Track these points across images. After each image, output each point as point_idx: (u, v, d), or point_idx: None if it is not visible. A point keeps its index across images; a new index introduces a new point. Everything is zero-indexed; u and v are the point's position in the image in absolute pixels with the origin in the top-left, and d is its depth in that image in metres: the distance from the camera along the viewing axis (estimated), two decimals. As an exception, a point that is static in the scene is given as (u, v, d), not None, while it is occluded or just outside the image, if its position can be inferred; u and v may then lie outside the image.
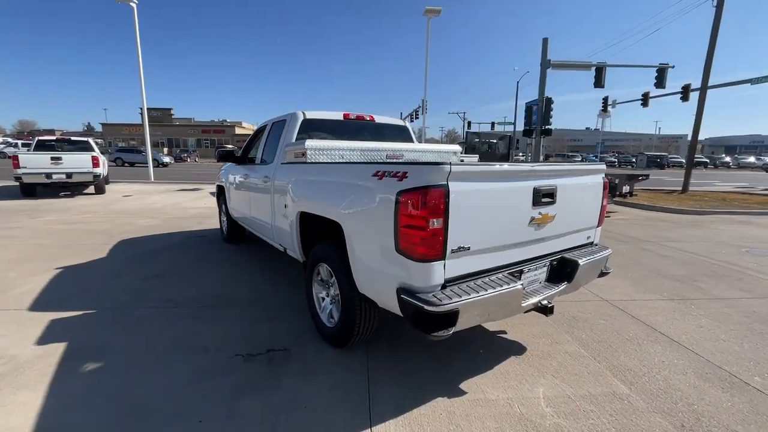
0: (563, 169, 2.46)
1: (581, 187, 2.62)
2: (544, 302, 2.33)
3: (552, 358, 2.68)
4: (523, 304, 2.19)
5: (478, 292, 1.93)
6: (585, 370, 2.54)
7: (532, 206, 2.24)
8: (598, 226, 2.88)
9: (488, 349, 2.80)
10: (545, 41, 16.90)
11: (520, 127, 18.09)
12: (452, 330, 1.91)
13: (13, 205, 9.04)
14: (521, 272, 2.33)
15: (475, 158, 10.90)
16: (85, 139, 12.75)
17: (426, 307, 1.81)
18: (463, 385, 2.33)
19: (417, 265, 1.88)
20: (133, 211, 8.60)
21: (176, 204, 9.96)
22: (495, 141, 13.70)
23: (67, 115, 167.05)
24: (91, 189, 11.78)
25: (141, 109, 16.96)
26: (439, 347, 2.79)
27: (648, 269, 4.86)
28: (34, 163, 10.03)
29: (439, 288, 1.94)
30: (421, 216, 1.81)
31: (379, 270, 2.12)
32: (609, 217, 9.03)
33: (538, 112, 17.79)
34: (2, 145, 39.45)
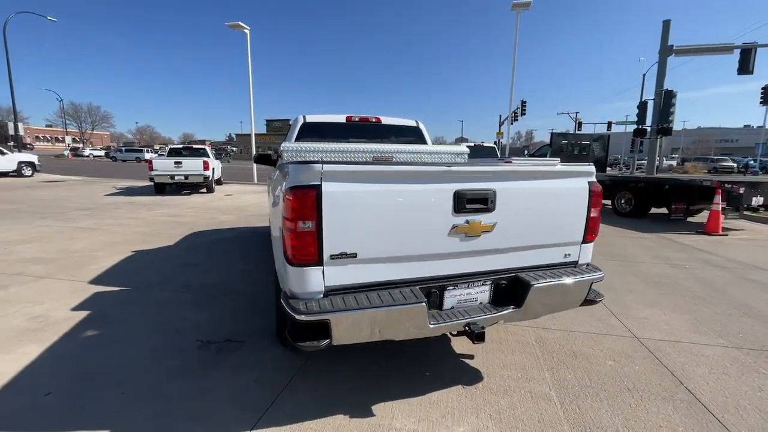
0: (505, 170, 2.06)
1: (547, 192, 2.16)
2: (475, 326, 1.98)
3: (506, 396, 2.26)
4: (432, 326, 1.90)
5: (360, 305, 1.76)
6: (538, 419, 2.07)
7: (454, 213, 1.93)
8: (585, 242, 2.33)
9: (438, 371, 2.50)
10: (666, 24, 14.24)
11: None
12: (325, 343, 1.77)
13: (144, 200, 11.31)
14: (443, 288, 2.03)
15: (556, 161, 9.87)
16: (203, 147, 15.33)
17: (292, 313, 1.72)
18: (378, 407, 2.13)
19: (293, 269, 1.80)
20: (222, 208, 9.97)
21: (260, 203, 11.21)
22: (588, 143, 11.98)
23: (217, 128, 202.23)
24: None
25: (267, 120, 19.58)
26: (389, 360, 2.60)
27: (732, 304, 3.71)
28: (162, 166, 12.48)
29: (320, 296, 1.82)
30: (292, 218, 1.73)
31: (279, 273, 2.09)
32: (726, 235, 7.14)
33: (655, 107, 15.03)
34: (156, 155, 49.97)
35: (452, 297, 2.07)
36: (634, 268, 4.92)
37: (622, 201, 9.34)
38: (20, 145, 24.24)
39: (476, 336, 1.96)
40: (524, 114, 30.29)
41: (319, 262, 1.78)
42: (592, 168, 2.29)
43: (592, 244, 2.41)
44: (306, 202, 1.71)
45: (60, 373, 2.41)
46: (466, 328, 1.98)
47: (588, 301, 2.33)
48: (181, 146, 15.64)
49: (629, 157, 38.70)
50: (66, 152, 49.21)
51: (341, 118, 4.03)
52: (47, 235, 6.35)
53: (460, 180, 1.94)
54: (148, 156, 42.62)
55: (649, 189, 8.72)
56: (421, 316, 1.85)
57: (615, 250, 5.94)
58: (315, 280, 1.80)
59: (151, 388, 2.27)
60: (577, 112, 45.58)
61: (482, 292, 2.14)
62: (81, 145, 59.88)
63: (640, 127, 15.21)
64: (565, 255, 2.32)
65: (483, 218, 2.00)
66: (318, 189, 1.72)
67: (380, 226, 1.84)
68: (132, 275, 4.36)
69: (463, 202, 1.93)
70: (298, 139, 3.85)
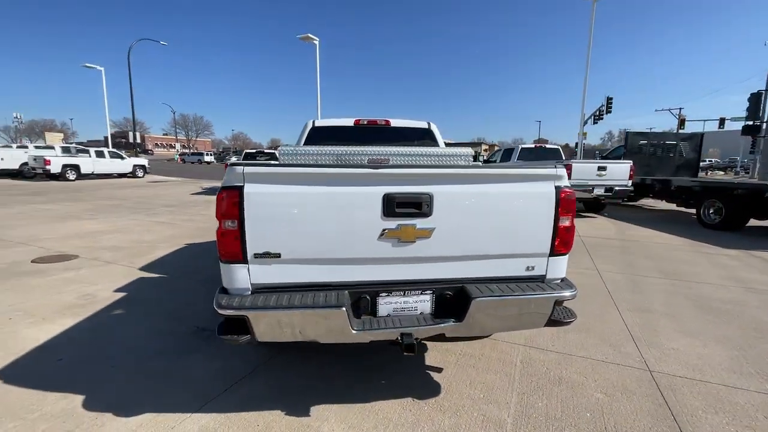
0: (443, 172, 1.92)
1: (500, 197, 1.96)
2: (408, 338, 1.88)
3: (455, 416, 2.10)
4: (355, 332, 1.85)
5: (279, 305, 1.80)
6: (478, 443, 1.89)
7: (384, 217, 1.86)
8: (554, 254, 2.06)
9: (397, 380, 2.41)
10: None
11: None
12: (245, 338, 1.85)
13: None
14: (376, 295, 1.97)
15: (628, 163, 8.79)
16: (274, 151, 16.69)
17: (215, 306, 1.82)
18: (317, 408, 2.14)
19: (223, 265, 1.90)
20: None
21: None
22: (674, 143, 10.35)
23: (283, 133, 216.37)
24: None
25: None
26: (356, 363, 2.59)
27: (808, 344, 2.93)
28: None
29: (248, 292, 1.89)
30: (219, 217, 1.84)
31: None
32: None
33: (773, 99, 12.48)
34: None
35: (387, 304, 1.99)
36: (691, 290, 4.16)
37: (710, 210, 7.92)
38: (142, 151, 28.97)
39: (405, 347, 1.86)
40: (610, 112, 27.32)
41: (244, 260, 1.85)
42: (560, 170, 2.01)
43: (566, 257, 2.12)
44: (230, 202, 1.80)
45: (77, 344, 2.85)
46: (398, 339, 1.89)
47: (554, 322, 2.06)
48: (255, 151, 17.25)
49: (750, 159, 32.45)
50: (176, 157, 57.28)
51: (350, 122, 4.09)
52: (130, 227, 7.48)
53: (389, 183, 1.87)
54: (207, 159, 48.85)
55: (747, 197, 7.26)
56: (340, 321, 1.81)
57: (673, 266, 5.08)
58: (242, 277, 1.88)
59: (135, 363, 2.56)
60: (681, 108, 39.73)
61: (422, 302, 2.02)
62: (187, 151, 69.15)
63: (753, 123, 12.67)
64: (528, 268, 2.08)
65: (418, 223, 1.89)
66: (240, 190, 1.79)
67: (305, 227, 1.85)
68: (172, 265, 4.94)
69: (392, 206, 1.85)
70: (306, 142, 4.01)
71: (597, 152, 21.15)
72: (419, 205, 1.87)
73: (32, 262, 4.92)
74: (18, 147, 23.10)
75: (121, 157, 21.24)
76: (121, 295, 3.84)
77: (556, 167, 2.00)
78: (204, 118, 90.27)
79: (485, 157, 15.15)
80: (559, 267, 2.11)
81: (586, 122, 30.52)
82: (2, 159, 19.79)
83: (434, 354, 2.74)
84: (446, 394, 2.29)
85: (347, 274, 1.94)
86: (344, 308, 1.80)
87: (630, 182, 8.96)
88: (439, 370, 2.55)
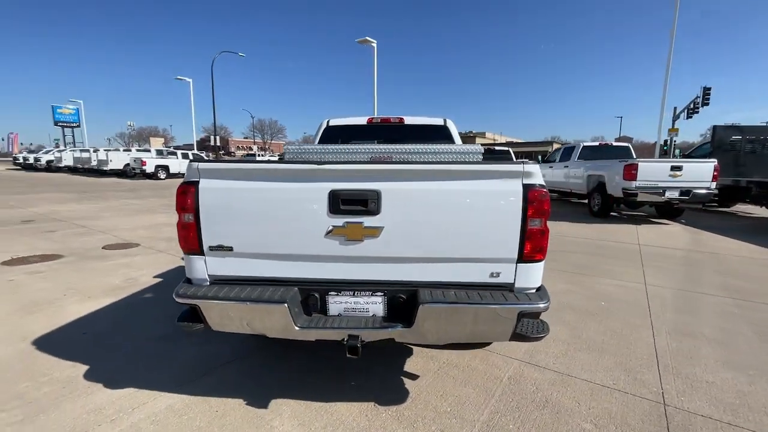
0: (393, 168, 1.81)
1: (457, 195, 1.80)
2: (354, 340, 1.82)
3: (410, 427, 1.97)
4: (298, 328, 1.84)
5: (227, 296, 1.86)
6: (423, 459, 1.76)
7: (330, 214, 1.82)
8: (524, 261, 1.84)
9: (367, 383, 2.34)
10: None
11: None
12: (199, 326, 1.93)
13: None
14: (325, 293, 1.93)
15: (711, 162, 7.72)
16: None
17: (174, 295, 1.94)
18: (276, 402, 2.16)
19: (185, 256, 2.01)
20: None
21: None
22: (779, 137, 8.60)
23: None
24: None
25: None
26: (336, 361, 2.58)
27: None
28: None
29: (206, 283, 1.99)
30: (178, 210, 1.94)
31: None
32: None
33: None
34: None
35: (337, 304, 1.94)
36: (760, 314, 3.43)
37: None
38: (225, 153, 32.14)
39: (348, 349, 1.80)
40: (707, 104, 23.79)
41: (201, 252, 1.94)
42: (529, 167, 1.78)
43: (540, 264, 1.87)
44: (186, 196, 1.90)
45: (103, 320, 3.23)
46: (344, 340, 1.84)
47: (519, 336, 1.83)
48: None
49: None
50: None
51: (363, 120, 4.08)
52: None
53: (336, 179, 1.82)
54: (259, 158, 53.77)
55: None
56: (281, 317, 1.81)
57: (748, 284, 4.24)
58: (200, 268, 1.97)
59: (139, 344, 2.83)
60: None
61: (373, 304, 1.93)
62: (260, 153, 74.91)
63: None
64: (492, 274, 1.87)
65: (366, 221, 1.81)
66: (196, 185, 1.88)
67: (254, 222, 1.88)
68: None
69: (338, 203, 1.80)
70: (321, 141, 4.08)
71: (677, 150, 18.46)
72: (365, 203, 1.80)
73: (102, 248, 5.70)
74: (124, 150, 27.02)
75: (203, 159, 23.70)
76: (158, 280, 4.28)
77: (524, 163, 1.77)
78: (278, 122, 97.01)
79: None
80: (532, 275, 1.87)
81: (677, 117, 26.87)
82: (111, 161, 23.29)
83: (417, 360, 2.61)
84: (411, 403, 2.17)
85: (297, 271, 1.93)
86: (286, 304, 1.79)
87: (713, 184, 7.67)
88: (414, 377, 2.43)
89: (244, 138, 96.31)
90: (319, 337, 1.90)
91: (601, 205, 8.89)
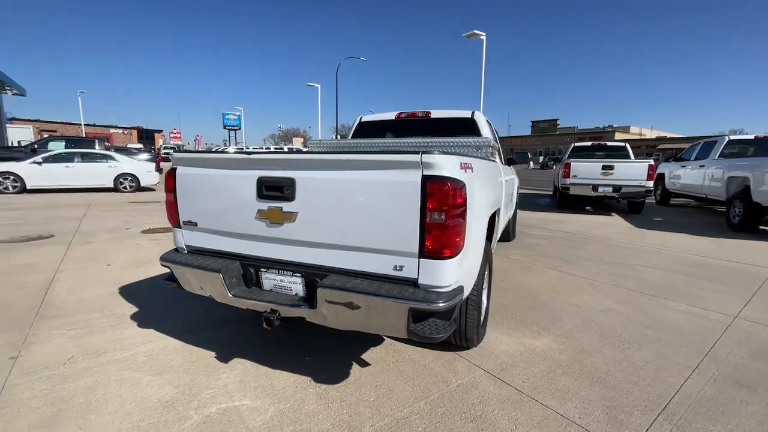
0: (306, 158, 1.90)
1: (360, 185, 1.82)
2: (270, 314, 2.03)
3: (321, 405, 2.07)
4: (231, 296, 2.12)
5: (184, 263, 2.27)
6: (299, 424, 1.85)
7: (258, 198, 2.05)
8: (427, 257, 1.75)
9: (321, 360, 2.50)
10: None
11: None
12: (174, 285, 2.40)
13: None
14: (258, 269, 2.17)
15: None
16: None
17: (160, 258, 2.44)
18: (237, 360, 2.50)
19: (172, 228, 2.50)
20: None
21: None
22: None
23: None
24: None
25: (532, 122, 20.29)
26: (315, 337, 2.82)
27: None
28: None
29: (185, 251, 2.44)
30: (166, 191, 2.43)
31: None
32: None
33: None
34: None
35: (268, 280, 2.15)
36: None
37: None
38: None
39: (264, 320, 2.01)
40: None
41: (179, 225, 2.40)
42: (429, 158, 1.66)
43: (449, 261, 1.74)
44: (169, 179, 2.37)
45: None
46: (265, 312, 2.05)
47: (413, 333, 1.74)
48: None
49: None
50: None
51: (392, 116, 4.14)
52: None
53: (262, 167, 2.03)
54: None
55: None
56: (218, 284, 2.12)
57: None
58: (179, 238, 2.43)
59: (182, 299, 3.53)
60: None
61: (295, 284, 2.07)
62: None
63: None
64: (396, 267, 1.81)
65: (284, 206, 1.98)
66: (174, 171, 2.34)
67: (207, 203, 2.24)
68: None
69: (262, 189, 2.01)
70: (354, 136, 4.31)
71: None
72: (282, 189, 1.96)
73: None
74: (275, 147, 32.08)
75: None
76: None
77: (422, 154, 1.68)
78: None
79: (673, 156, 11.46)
80: (438, 272, 1.76)
81: None
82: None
83: (378, 351, 2.64)
84: (343, 386, 2.25)
85: (238, 247, 2.22)
86: (220, 274, 2.10)
87: None
88: (365, 365, 2.48)
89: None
90: (248, 307, 2.15)
91: (743, 215, 6.89)
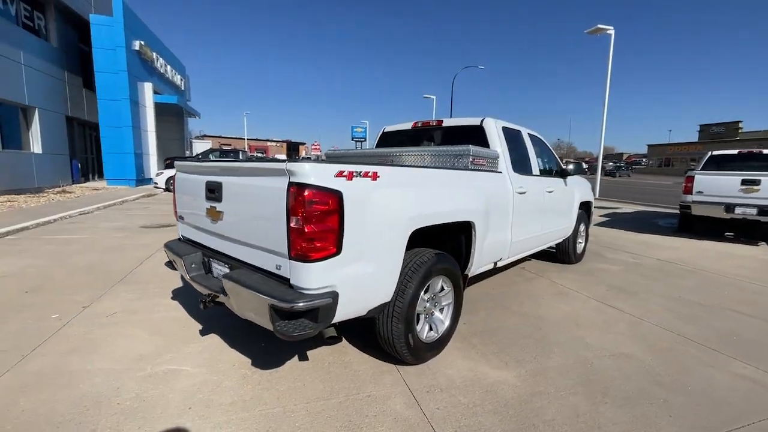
0: (228, 166, 2.20)
1: (250, 189, 2.04)
2: (205, 297, 2.40)
3: (239, 381, 2.32)
4: (188, 277, 2.57)
5: (171, 247, 2.84)
6: (226, 395, 2.12)
7: (205, 199, 2.45)
8: (294, 259, 1.85)
9: (269, 348, 2.77)
10: None
11: None
12: (170, 266, 2.99)
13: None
14: (209, 257, 2.56)
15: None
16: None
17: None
18: (209, 336, 2.96)
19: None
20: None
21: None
22: None
23: (636, 137, 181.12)
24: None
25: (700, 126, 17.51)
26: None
27: None
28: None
29: (182, 240, 3.04)
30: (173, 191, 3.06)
31: None
32: None
33: None
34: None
35: (215, 268, 2.52)
36: None
37: None
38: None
39: (201, 302, 2.38)
40: None
41: (177, 218, 2.99)
42: (293, 166, 1.76)
43: (316, 265, 1.80)
44: (173, 182, 2.98)
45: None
46: (202, 295, 2.42)
47: (277, 331, 1.84)
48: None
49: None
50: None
51: (410, 125, 4.15)
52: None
53: (209, 173, 2.41)
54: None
55: None
56: (181, 267, 2.59)
57: None
58: (178, 229, 3.03)
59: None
60: None
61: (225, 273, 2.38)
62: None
63: None
64: (277, 266, 1.94)
65: (217, 206, 2.33)
66: (175, 176, 2.94)
67: (186, 201, 2.75)
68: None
69: (207, 191, 2.40)
70: (378, 145, 4.46)
71: None
72: (214, 191, 2.31)
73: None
74: None
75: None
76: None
77: (287, 162, 1.79)
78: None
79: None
80: (305, 275, 1.84)
81: None
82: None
83: (327, 350, 2.76)
84: (269, 373, 2.45)
85: (200, 239, 2.66)
86: (182, 259, 2.57)
87: None
88: (305, 360, 2.64)
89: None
90: (198, 289, 2.56)
91: None
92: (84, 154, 16.79)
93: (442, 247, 2.91)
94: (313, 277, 1.84)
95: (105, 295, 3.73)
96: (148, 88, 16.32)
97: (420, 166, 2.82)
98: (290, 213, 1.81)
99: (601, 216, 10.82)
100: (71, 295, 3.69)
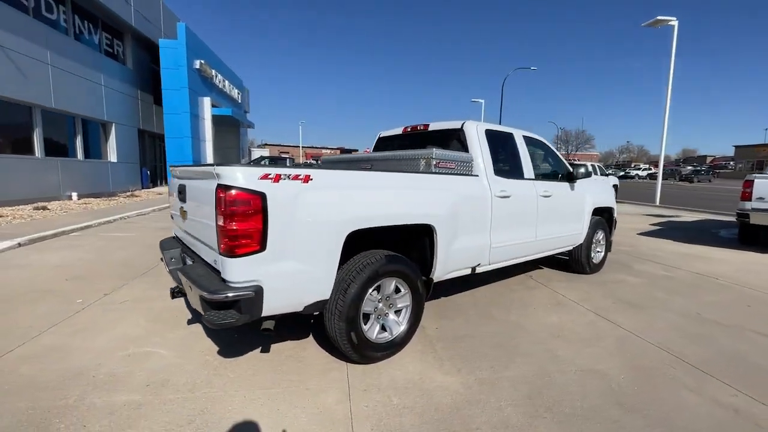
0: (189, 170, 2.46)
1: (198, 191, 2.28)
2: (177, 288, 2.69)
3: (189, 360, 2.55)
4: (167, 270, 2.87)
5: (160, 243, 3.19)
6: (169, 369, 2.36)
7: (178, 200, 2.75)
8: (223, 254, 2.03)
9: (240, 338, 2.99)
10: None
11: None
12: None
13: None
14: (185, 254, 2.84)
15: None
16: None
17: (165, 241, 3.46)
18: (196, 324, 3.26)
19: (176, 220, 3.48)
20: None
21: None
22: None
23: (722, 138, 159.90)
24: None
25: None
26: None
27: None
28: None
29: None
30: (172, 193, 3.43)
31: None
32: None
33: None
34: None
35: (188, 262, 2.79)
36: None
37: None
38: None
39: (171, 292, 2.66)
40: None
41: (171, 218, 3.34)
42: (219, 170, 1.94)
43: (238, 260, 1.96)
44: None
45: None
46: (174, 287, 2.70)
47: (206, 318, 2.02)
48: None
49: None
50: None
51: (400, 130, 4.19)
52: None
53: (182, 178, 2.69)
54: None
55: None
56: (162, 259, 2.90)
57: None
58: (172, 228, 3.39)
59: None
60: None
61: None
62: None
63: None
64: (214, 261, 2.13)
65: (183, 206, 2.60)
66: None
67: (173, 202, 3.07)
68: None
69: (179, 193, 2.69)
70: (375, 149, 4.56)
71: None
72: (182, 193, 2.59)
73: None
74: None
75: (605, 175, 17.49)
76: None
77: (215, 166, 1.98)
78: (586, 131, 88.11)
79: None
80: (229, 269, 2.01)
81: None
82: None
83: (289, 344, 2.91)
84: (227, 361, 2.64)
85: (180, 236, 2.96)
86: (164, 253, 2.88)
87: None
88: (267, 351, 2.81)
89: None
90: (174, 280, 2.85)
91: None
92: (153, 163, 18.85)
93: (407, 250, 2.95)
94: (236, 272, 2.01)
95: (125, 286, 4.24)
96: (206, 102, 17.96)
97: (387, 170, 2.89)
98: (217, 212, 1.99)
99: (651, 225, 9.88)
100: (99, 284, 4.25)
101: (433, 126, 3.86)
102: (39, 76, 10.85)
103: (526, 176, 3.81)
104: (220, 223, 1.99)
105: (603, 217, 5.09)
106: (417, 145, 4.03)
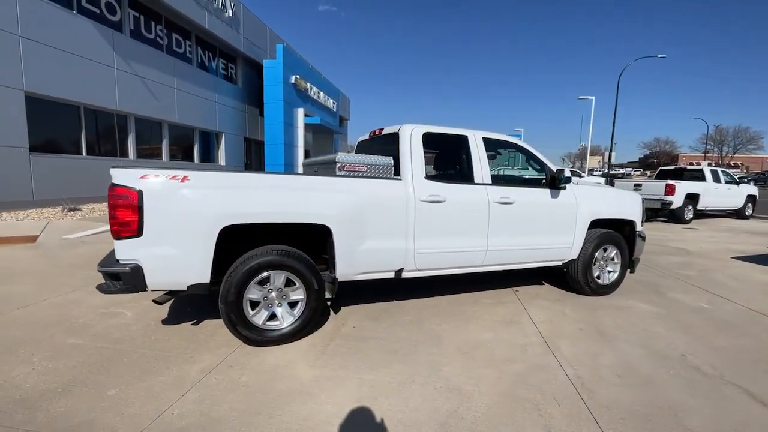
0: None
1: None
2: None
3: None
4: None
5: None
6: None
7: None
8: (113, 237, 2.58)
9: (201, 313, 3.58)
10: None
11: None
12: None
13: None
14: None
15: None
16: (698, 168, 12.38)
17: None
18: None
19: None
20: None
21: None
22: None
23: None
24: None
25: None
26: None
27: None
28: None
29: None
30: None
31: None
32: None
33: None
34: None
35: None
36: None
37: None
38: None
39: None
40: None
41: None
42: (113, 170, 2.48)
43: (122, 243, 2.51)
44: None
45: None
46: None
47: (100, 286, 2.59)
48: (672, 167, 13.47)
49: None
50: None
51: (367, 135, 4.31)
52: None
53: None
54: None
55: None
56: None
57: None
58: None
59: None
60: None
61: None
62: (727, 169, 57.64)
63: None
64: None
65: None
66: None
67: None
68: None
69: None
70: (356, 152, 4.76)
71: None
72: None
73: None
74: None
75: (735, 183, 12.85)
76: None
77: (111, 168, 2.52)
78: (750, 128, 69.47)
79: None
80: (117, 250, 2.54)
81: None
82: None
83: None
84: (162, 328, 3.24)
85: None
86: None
87: None
88: (198, 323, 3.32)
89: (691, 152, 78.14)
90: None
91: None
92: (257, 166, 21.96)
93: (318, 249, 3.16)
94: (120, 251, 2.53)
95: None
96: (300, 113, 20.17)
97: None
98: (108, 204, 2.55)
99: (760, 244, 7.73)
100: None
101: (385, 130, 3.91)
102: (167, 98, 13.83)
103: (477, 181, 3.58)
104: (110, 212, 2.54)
105: (617, 231, 4.33)
106: (377, 149, 4.12)
